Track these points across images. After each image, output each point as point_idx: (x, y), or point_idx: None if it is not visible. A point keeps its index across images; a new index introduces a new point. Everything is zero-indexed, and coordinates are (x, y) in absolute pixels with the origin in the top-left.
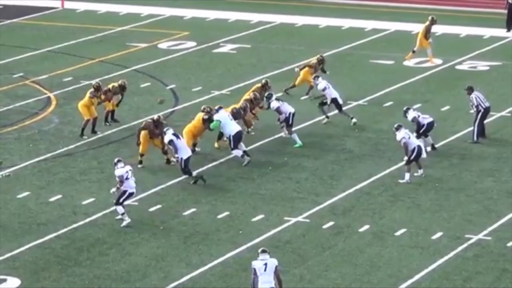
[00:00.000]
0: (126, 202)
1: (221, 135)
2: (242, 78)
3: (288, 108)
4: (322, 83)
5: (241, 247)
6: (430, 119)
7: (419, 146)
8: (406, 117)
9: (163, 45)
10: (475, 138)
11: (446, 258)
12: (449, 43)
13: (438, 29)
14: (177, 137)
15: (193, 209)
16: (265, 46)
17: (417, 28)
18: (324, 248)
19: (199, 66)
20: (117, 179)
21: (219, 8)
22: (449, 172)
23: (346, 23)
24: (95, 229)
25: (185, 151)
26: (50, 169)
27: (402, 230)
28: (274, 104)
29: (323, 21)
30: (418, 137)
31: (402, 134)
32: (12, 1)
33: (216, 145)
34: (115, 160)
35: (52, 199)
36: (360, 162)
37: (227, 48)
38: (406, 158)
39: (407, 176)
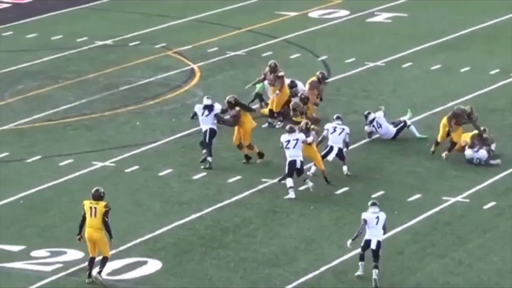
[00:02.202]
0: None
1: None
2: (398, 49)
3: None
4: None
5: (396, 228)
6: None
7: (331, 147)
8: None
9: (314, 13)
10: None
11: None
12: None
13: None
14: None
15: (346, 188)
16: (423, 15)
17: None
18: (485, 230)
19: (352, 36)
20: None
21: None
22: None
23: None
24: (241, 209)
25: None
26: (194, 145)
27: None
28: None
29: None
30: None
31: (329, 126)
32: None
33: None
34: (287, 127)
35: (196, 177)
36: None
37: (382, 17)
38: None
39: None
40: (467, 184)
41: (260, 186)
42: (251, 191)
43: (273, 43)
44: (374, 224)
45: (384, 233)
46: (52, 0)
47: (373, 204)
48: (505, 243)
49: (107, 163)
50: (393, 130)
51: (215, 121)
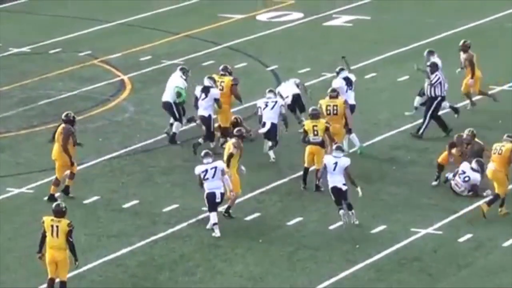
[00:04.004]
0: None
1: None
2: (360, 57)
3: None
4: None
5: (358, 265)
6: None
7: (264, 123)
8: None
9: (263, 16)
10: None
11: None
12: None
13: None
14: None
15: (299, 218)
16: (389, 18)
17: None
18: (460, 266)
19: (307, 43)
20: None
21: None
22: None
23: None
24: (179, 243)
25: None
26: (124, 168)
27: None
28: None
29: None
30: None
31: (260, 102)
32: None
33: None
34: (202, 153)
35: (126, 206)
36: None
37: (341, 20)
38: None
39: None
40: (440, 213)
41: (200, 216)
42: (189, 221)
43: (215, 50)
44: (332, 170)
45: (352, 181)
46: None
47: (338, 148)
48: (483, 281)
49: (23, 189)
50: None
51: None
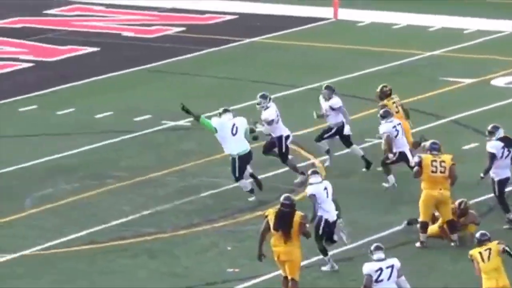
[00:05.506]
0: None
1: None
2: None
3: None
4: None
5: None
6: None
7: (402, 153)
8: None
9: (500, 81)
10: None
11: None
12: None
13: None
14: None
15: None
16: None
17: None
18: None
19: None
20: None
21: None
22: None
23: None
24: None
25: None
26: None
27: None
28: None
29: None
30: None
31: (387, 128)
32: (250, 7)
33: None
34: (372, 246)
35: None
36: None
37: None
38: (390, 155)
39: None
40: None
41: None
42: None
43: (436, 124)
44: (325, 197)
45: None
46: None
47: (314, 172)
48: None
49: None
50: None
51: None
